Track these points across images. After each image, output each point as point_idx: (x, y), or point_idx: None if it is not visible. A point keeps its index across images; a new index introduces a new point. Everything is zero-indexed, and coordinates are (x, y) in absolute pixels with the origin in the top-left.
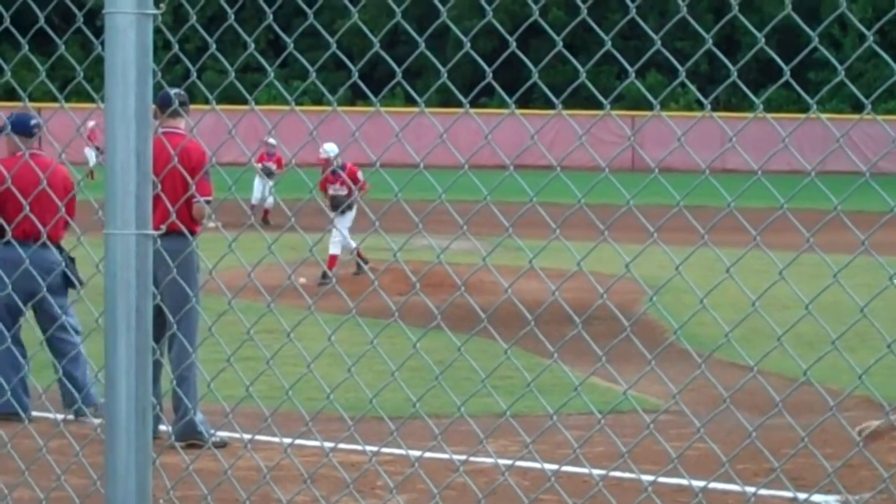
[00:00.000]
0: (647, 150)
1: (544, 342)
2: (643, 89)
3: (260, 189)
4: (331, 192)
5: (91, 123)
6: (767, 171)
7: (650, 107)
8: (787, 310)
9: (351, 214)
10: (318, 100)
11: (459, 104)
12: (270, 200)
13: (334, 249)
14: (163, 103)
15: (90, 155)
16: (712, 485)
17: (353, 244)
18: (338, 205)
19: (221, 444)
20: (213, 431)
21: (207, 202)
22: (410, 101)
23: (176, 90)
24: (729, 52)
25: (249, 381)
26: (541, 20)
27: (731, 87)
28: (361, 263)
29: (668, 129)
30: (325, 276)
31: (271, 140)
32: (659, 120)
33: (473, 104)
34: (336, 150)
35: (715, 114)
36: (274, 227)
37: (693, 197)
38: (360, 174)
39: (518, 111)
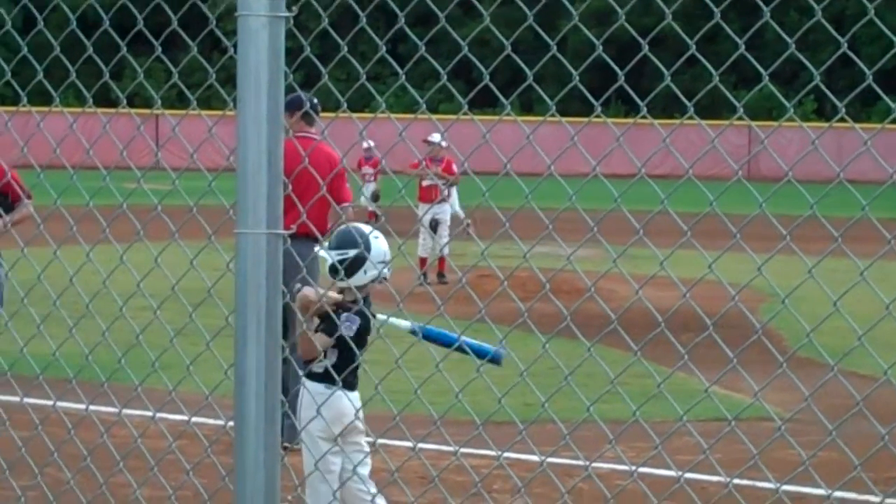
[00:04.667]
0: (762, 160)
1: (675, 345)
2: (778, 95)
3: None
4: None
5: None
6: (883, 180)
7: (765, 117)
8: None
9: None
10: (434, 108)
11: (579, 114)
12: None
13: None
14: (291, 107)
15: None
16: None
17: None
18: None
19: None
20: None
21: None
22: (525, 110)
23: (308, 95)
24: (847, 62)
25: (370, 384)
26: (673, 23)
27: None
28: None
29: (782, 139)
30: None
31: (369, 143)
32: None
33: (590, 114)
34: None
35: (832, 124)
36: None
37: (813, 211)
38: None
39: (639, 120)
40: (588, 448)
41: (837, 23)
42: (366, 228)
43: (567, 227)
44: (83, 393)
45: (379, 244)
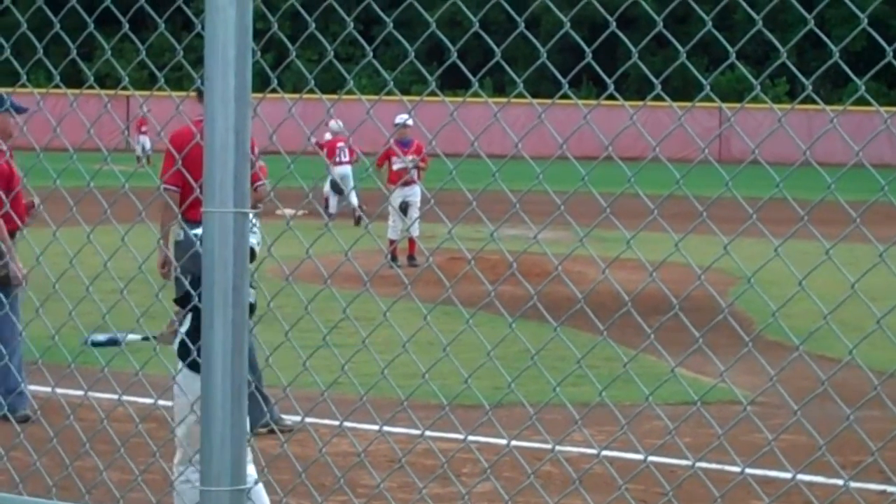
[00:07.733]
0: (733, 142)
1: (643, 327)
2: (748, 75)
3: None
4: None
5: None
6: (849, 163)
7: (737, 99)
8: (876, 301)
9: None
10: (406, 90)
11: (548, 95)
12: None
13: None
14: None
15: (144, 141)
16: (798, 476)
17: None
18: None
19: (289, 429)
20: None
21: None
22: (498, 91)
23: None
24: (818, 43)
25: (336, 367)
26: (644, 2)
27: (819, 80)
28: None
29: (754, 122)
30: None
31: (338, 122)
32: (745, 112)
33: (561, 96)
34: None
35: (803, 106)
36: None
37: (780, 189)
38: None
39: (609, 102)
40: (556, 431)
41: (808, 4)
42: None
43: (539, 209)
44: (50, 375)
45: None
